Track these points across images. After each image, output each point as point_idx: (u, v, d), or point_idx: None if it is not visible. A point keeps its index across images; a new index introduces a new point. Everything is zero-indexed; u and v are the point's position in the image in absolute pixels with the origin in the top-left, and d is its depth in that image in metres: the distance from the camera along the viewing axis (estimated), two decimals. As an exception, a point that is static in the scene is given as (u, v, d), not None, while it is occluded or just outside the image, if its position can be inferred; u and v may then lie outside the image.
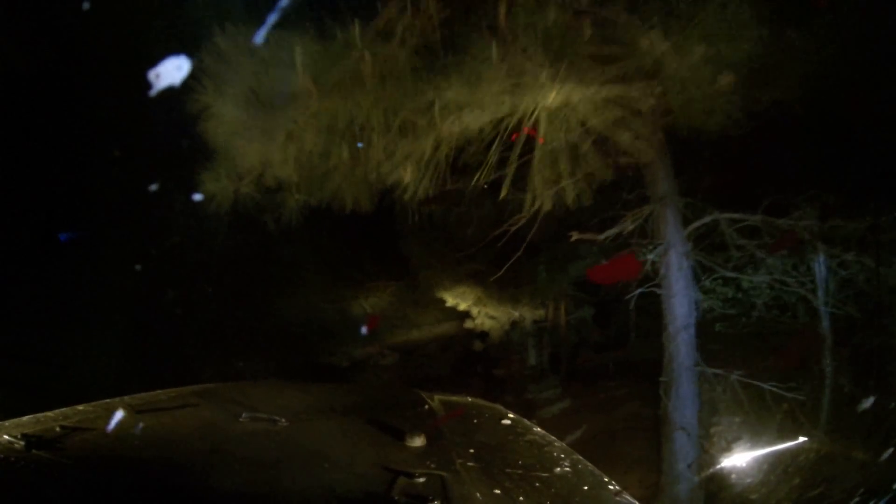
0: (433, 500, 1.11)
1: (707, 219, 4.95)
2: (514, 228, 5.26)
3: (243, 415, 1.65)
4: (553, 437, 1.82)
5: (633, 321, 10.27)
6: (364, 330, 12.02)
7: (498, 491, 1.31)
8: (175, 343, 9.37)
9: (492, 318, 11.11)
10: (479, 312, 11.28)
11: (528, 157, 4.92)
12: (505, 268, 5.91)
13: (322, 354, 11.68)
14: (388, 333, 12.31)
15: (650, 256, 5.09)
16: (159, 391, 2.01)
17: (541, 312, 10.96)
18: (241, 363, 9.99)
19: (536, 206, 4.86)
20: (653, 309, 9.80)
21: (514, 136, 4.94)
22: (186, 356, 9.17)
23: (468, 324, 11.61)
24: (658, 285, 5.17)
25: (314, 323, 11.77)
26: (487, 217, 6.70)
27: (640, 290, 5.64)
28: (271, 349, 10.74)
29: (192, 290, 10.60)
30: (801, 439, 4.31)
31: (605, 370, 10.14)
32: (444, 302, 11.60)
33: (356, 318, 12.29)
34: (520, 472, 1.46)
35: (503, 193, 4.82)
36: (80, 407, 1.73)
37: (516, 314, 11.03)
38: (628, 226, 5.19)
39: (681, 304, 4.94)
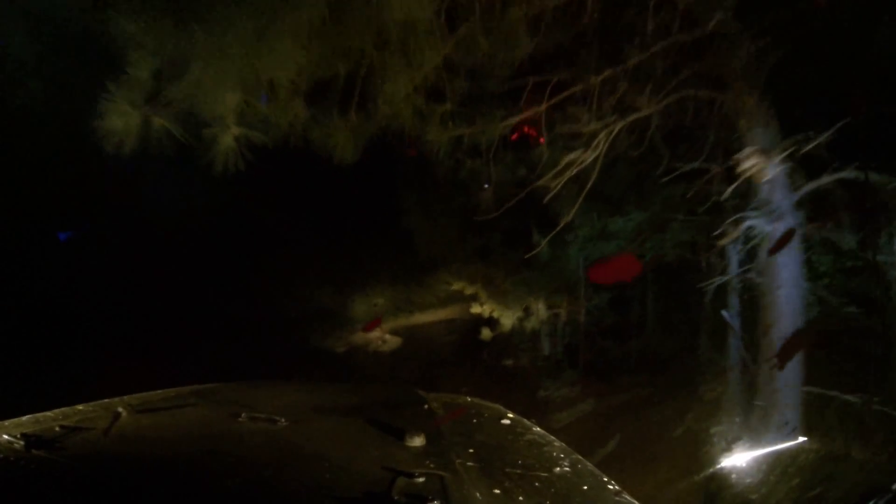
0: (433, 500, 1.11)
1: (826, 179, 3.51)
2: (557, 185, 3.99)
3: (243, 415, 1.65)
4: (552, 437, 1.82)
5: (651, 308, 9.53)
6: (365, 325, 11.49)
7: (498, 491, 1.31)
8: (164, 333, 9.24)
9: (501, 302, 9.98)
10: (487, 296, 10.24)
11: (573, 90, 3.79)
12: (539, 248, 4.98)
13: (318, 339, 11.09)
14: (390, 316, 11.61)
15: (762, 231, 3.72)
16: (159, 391, 2.01)
17: (558, 298, 9.72)
18: (230, 352, 9.53)
19: (600, 148, 3.66)
20: (671, 294, 8.91)
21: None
22: (175, 348, 8.99)
23: (475, 308, 10.65)
24: (753, 270, 3.90)
25: (310, 306, 11.17)
26: (507, 178, 5.24)
27: (723, 279, 4.65)
28: (264, 336, 10.25)
29: (181, 278, 10.40)
30: (801, 439, 4.29)
31: (626, 363, 9.09)
32: (449, 284, 10.69)
33: (355, 300, 11.60)
34: (519, 471, 1.46)
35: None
36: (80, 407, 1.73)
37: (529, 298, 9.82)
38: (717, 188, 4.03)
39: (789, 298, 3.57)
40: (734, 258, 6.07)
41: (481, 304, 10.40)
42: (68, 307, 9.02)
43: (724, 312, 6.08)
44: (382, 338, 11.52)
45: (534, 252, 5.13)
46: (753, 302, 5.29)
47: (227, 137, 3.08)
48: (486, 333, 10.45)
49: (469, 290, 10.42)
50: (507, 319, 10.07)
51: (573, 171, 3.89)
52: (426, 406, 1.98)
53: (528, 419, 2.01)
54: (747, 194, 3.88)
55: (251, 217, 12.25)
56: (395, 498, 1.12)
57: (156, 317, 9.52)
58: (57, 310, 8.84)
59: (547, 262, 8.95)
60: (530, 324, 10.30)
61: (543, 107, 3.81)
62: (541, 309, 10.05)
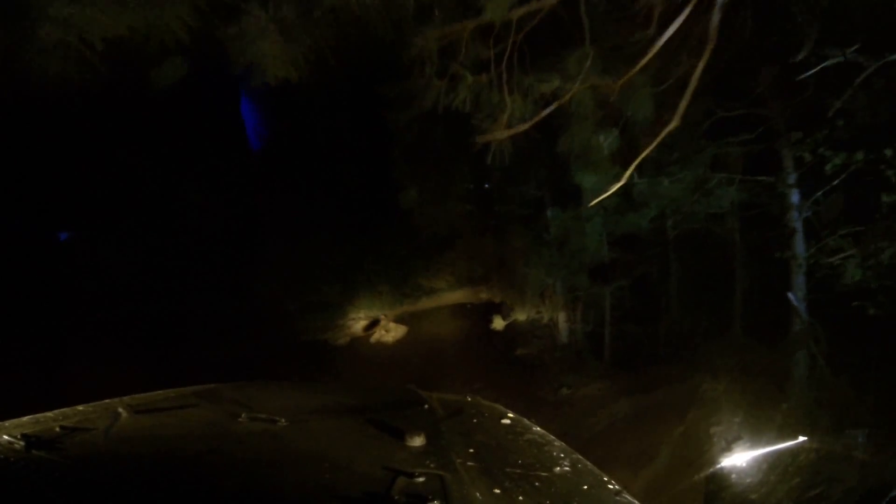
0: (433, 500, 1.11)
1: None
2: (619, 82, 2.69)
3: (243, 415, 1.65)
4: (553, 437, 1.82)
5: (675, 289, 8.55)
6: (365, 326, 10.97)
7: (498, 491, 1.31)
8: (158, 331, 9.15)
9: (515, 288, 8.85)
10: (498, 280, 9.15)
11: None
12: (586, 204, 3.94)
13: (317, 332, 10.44)
14: (396, 303, 10.75)
15: None
16: (159, 391, 2.01)
17: (577, 280, 8.49)
18: (223, 350, 8.91)
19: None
20: (697, 273, 8.17)
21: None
22: (169, 346, 8.86)
23: (483, 294, 9.72)
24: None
25: (309, 297, 10.57)
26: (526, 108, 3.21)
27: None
28: (258, 331, 9.70)
29: (171, 275, 10.21)
30: (801, 439, 4.29)
31: (653, 351, 8.08)
32: (456, 266, 9.71)
33: (357, 287, 10.97)
34: (519, 471, 1.46)
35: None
36: (80, 407, 1.73)
37: (547, 281, 8.59)
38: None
39: None
40: (798, 227, 5.35)
41: (491, 289, 9.41)
42: (67, 305, 9.03)
43: (790, 295, 5.45)
44: (386, 326, 10.77)
45: (586, 204, 4.06)
46: (828, 282, 4.62)
47: (46, 27, 1.77)
48: (498, 323, 9.19)
49: (479, 272, 9.49)
50: (522, 310, 8.87)
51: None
52: (426, 406, 1.98)
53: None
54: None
55: (242, 207, 12.08)
56: (396, 498, 1.12)
57: (149, 314, 9.50)
58: (56, 308, 8.86)
59: (566, 238, 7.89)
60: (547, 310, 9.13)
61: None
62: (558, 292, 8.91)
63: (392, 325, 10.71)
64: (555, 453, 1.66)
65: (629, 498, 1.44)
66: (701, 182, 6.17)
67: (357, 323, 10.70)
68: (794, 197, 5.42)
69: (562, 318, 9.11)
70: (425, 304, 10.83)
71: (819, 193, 4.89)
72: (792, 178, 5.40)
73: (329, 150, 12.46)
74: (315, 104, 11.92)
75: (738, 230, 7.17)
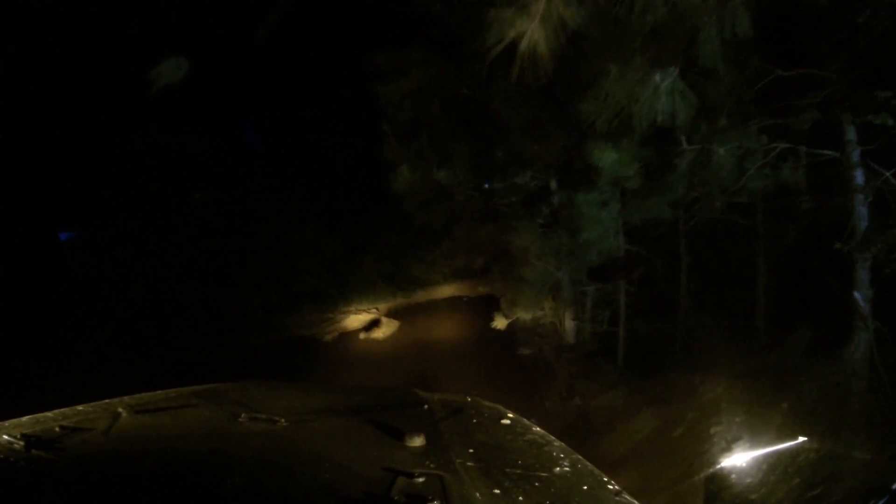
0: (433, 500, 1.11)
1: None
2: None
3: (243, 415, 1.65)
4: (552, 437, 1.82)
5: (686, 284, 7.84)
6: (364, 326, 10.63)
7: (497, 491, 1.31)
8: (132, 329, 9.08)
9: (517, 279, 7.94)
10: (499, 272, 8.30)
11: None
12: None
13: (301, 327, 9.94)
14: (389, 295, 10.27)
15: None
16: (159, 391, 2.01)
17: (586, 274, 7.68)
18: (195, 349, 8.62)
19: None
20: (708, 270, 7.53)
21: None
22: (161, 346, 8.75)
23: (481, 287, 9.11)
24: None
25: (294, 290, 10.12)
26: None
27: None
28: (244, 327, 9.27)
29: (148, 268, 10.07)
30: (801, 439, 4.28)
31: (669, 352, 7.38)
32: (452, 257, 8.84)
33: (349, 280, 10.41)
34: (519, 471, 1.46)
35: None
36: (80, 407, 1.73)
37: (558, 275, 7.66)
38: None
39: None
40: (863, 212, 4.58)
41: (491, 283, 8.64)
42: (67, 305, 9.04)
43: (856, 294, 4.83)
44: (378, 322, 10.21)
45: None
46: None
47: None
48: (500, 322, 8.22)
49: (477, 264, 8.70)
50: (525, 306, 7.94)
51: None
52: (426, 406, 1.98)
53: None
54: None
55: (239, 202, 11.94)
56: (395, 498, 1.13)
57: (143, 314, 9.45)
58: (55, 308, 8.87)
59: (577, 226, 7.01)
60: (551, 307, 8.26)
61: None
62: (564, 287, 7.99)
63: (383, 319, 10.16)
64: (554, 453, 1.66)
65: (629, 498, 1.44)
66: (757, 154, 5.18)
67: (347, 317, 10.18)
68: (859, 177, 4.57)
69: (568, 315, 8.17)
70: (419, 297, 10.32)
71: (889, 173, 4.22)
72: (856, 155, 4.59)
73: (321, 140, 12.33)
74: (309, 96, 11.90)
75: (762, 220, 6.61)
